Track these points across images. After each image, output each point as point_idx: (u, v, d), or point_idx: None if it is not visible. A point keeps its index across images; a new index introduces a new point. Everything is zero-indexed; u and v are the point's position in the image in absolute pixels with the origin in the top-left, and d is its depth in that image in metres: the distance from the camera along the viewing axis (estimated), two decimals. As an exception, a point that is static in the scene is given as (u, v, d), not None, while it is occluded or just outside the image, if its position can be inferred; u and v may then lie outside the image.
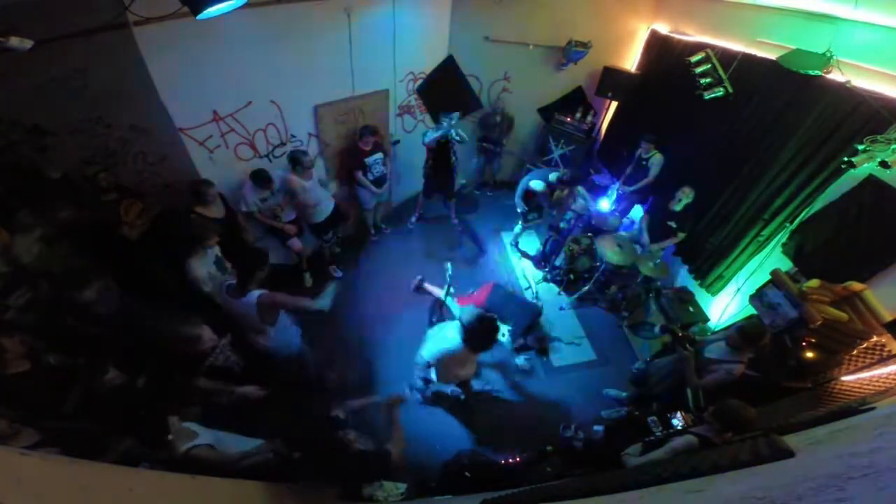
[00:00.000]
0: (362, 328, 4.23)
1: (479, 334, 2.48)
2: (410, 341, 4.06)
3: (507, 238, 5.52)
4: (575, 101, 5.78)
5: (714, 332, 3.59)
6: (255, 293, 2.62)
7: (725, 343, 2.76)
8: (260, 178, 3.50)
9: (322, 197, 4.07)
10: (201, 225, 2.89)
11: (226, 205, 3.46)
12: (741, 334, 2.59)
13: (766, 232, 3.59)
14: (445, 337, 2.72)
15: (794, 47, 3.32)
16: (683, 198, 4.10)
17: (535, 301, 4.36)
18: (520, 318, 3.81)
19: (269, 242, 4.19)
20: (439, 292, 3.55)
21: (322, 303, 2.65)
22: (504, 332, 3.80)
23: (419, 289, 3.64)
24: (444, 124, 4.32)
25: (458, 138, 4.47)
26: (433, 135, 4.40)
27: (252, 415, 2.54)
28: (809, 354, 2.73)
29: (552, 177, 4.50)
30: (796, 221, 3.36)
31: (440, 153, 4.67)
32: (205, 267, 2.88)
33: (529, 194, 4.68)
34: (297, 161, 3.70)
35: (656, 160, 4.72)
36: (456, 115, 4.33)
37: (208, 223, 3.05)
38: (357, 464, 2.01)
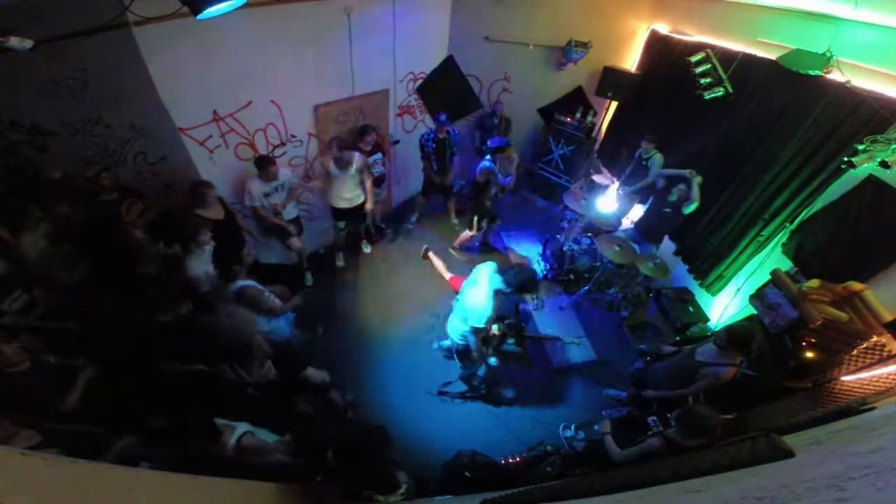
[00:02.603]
0: (362, 328, 4.23)
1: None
2: (411, 341, 4.08)
3: (505, 238, 5.52)
4: (575, 101, 5.77)
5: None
6: (239, 283, 2.75)
7: (714, 344, 2.67)
8: (263, 161, 3.47)
9: (344, 190, 4.14)
10: (191, 222, 2.88)
11: (225, 207, 3.45)
12: (729, 335, 2.51)
13: (766, 232, 3.59)
14: (484, 296, 2.84)
15: (794, 47, 3.32)
16: (678, 192, 4.24)
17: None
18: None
19: (269, 242, 4.19)
20: (442, 268, 3.61)
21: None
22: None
23: (425, 257, 3.74)
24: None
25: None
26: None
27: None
28: (809, 354, 2.72)
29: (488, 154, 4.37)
30: (796, 221, 3.36)
31: (438, 153, 4.68)
32: (201, 266, 2.87)
33: (474, 190, 4.56)
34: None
35: (656, 160, 4.72)
36: None
37: (202, 221, 3.03)
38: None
